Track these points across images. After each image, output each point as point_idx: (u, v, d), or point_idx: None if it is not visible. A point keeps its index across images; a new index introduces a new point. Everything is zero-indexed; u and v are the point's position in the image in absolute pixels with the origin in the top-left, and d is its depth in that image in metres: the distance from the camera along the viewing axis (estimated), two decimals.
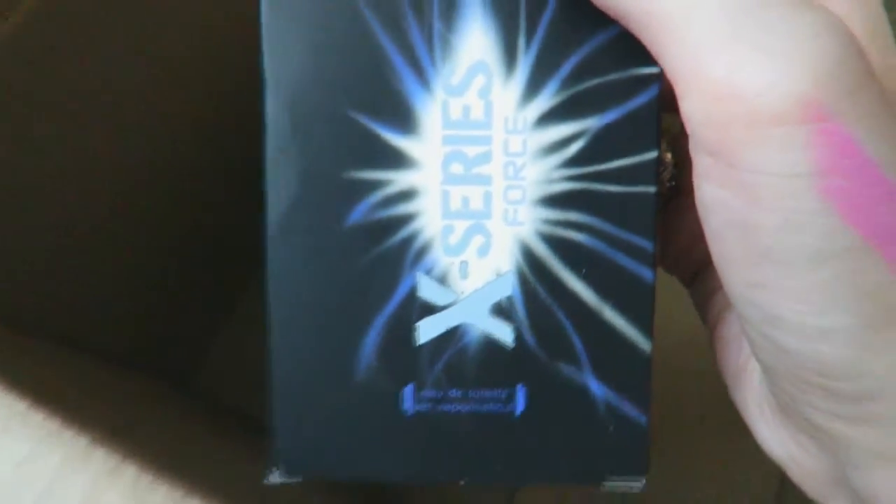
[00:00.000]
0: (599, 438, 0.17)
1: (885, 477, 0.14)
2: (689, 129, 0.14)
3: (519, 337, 0.17)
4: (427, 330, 0.17)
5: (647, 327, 0.17)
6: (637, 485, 0.17)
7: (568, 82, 0.16)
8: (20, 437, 0.17)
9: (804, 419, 0.15)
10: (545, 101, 0.16)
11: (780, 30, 0.12)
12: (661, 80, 0.16)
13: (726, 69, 0.12)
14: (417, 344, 0.17)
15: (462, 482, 0.18)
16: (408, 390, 0.17)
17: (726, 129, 0.13)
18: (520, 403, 0.17)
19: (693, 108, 0.13)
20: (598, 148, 0.16)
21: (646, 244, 0.17)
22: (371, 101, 0.16)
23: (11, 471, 0.17)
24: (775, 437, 0.17)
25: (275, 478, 0.18)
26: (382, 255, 0.17)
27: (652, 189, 0.16)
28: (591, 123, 0.16)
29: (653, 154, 0.16)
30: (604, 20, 0.15)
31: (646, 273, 0.17)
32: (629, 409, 0.17)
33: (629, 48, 0.15)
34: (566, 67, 0.16)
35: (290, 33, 0.16)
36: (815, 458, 0.16)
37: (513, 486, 0.19)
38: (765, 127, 0.12)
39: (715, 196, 0.14)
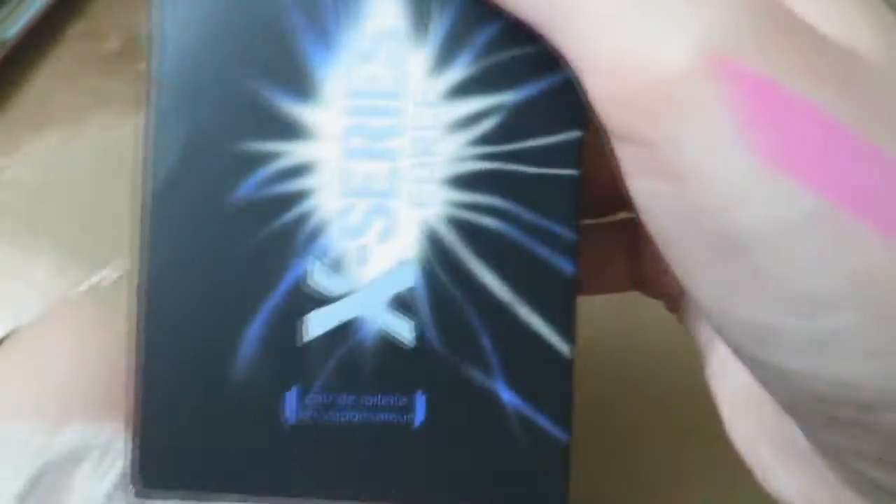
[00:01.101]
0: (511, 457, 0.15)
1: None
2: (601, 119, 0.12)
3: (420, 335, 0.15)
4: (317, 324, 0.15)
5: (567, 328, 0.15)
6: None
7: (484, 52, 0.15)
8: None
9: (853, 471, 0.13)
10: (458, 71, 0.15)
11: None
12: None
13: (620, 41, 0.11)
14: (305, 340, 0.15)
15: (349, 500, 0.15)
16: (291, 395, 0.15)
17: (634, 106, 0.11)
18: (419, 413, 0.15)
19: (597, 93, 0.12)
20: (515, 125, 0.15)
21: (567, 233, 0.15)
22: (267, 64, 0.15)
23: None
24: (804, 490, 0.14)
25: (133, 495, 0.15)
26: (271, 235, 0.15)
27: (574, 172, 0.15)
28: (509, 97, 0.15)
29: (576, 133, 0.15)
30: None
31: (566, 265, 0.15)
32: (546, 424, 0.15)
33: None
34: (483, 36, 0.15)
35: (181, 8, 0.15)
36: None
37: None
38: (671, 91, 0.11)
39: (646, 190, 0.12)
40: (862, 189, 0.10)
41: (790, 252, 0.11)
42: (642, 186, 0.12)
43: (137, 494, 0.15)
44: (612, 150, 0.12)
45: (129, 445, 0.15)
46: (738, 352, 0.13)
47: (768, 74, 0.10)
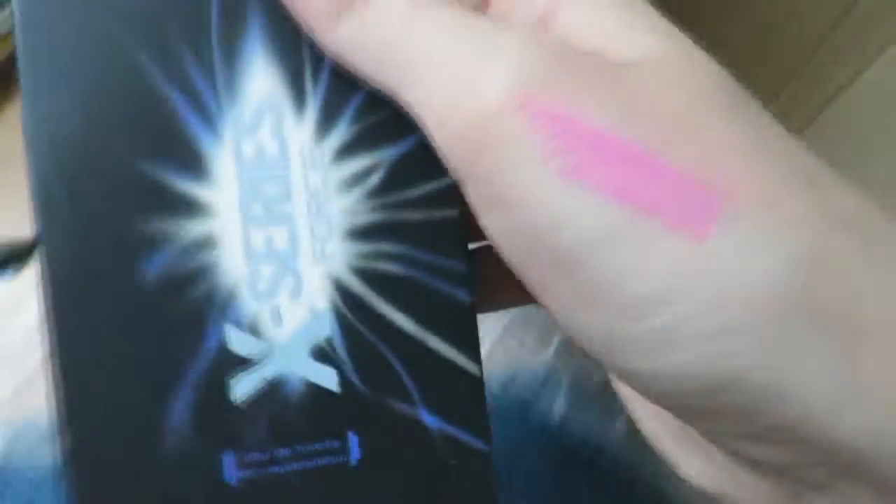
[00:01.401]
0: (443, 474, 0.16)
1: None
2: (447, 163, 0.14)
3: (344, 380, 0.16)
4: (242, 386, 0.15)
5: (473, 350, 0.17)
6: None
7: (360, 115, 0.16)
8: None
9: (732, 450, 0.14)
10: (340, 135, 0.16)
11: (478, 54, 0.13)
12: None
13: (447, 87, 0.13)
14: (235, 402, 0.15)
15: None
16: (228, 457, 0.15)
17: (465, 144, 0.13)
18: (354, 451, 0.16)
19: (437, 138, 0.14)
20: (397, 177, 0.16)
21: (458, 265, 0.17)
22: (156, 148, 0.15)
23: None
24: (706, 472, 0.16)
25: None
26: (185, 308, 0.15)
27: (454, 212, 0.17)
28: (388, 153, 0.16)
29: (447, 179, 0.16)
30: None
31: (462, 294, 0.17)
32: (467, 438, 0.16)
33: None
34: (356, 100, 0.16)
35: (54, 81, 0.15)
36: (755, 488, 0.15)
37: None
38: (489, 127, 0.13)
39: (490, 223, 0.14)
40: (650, 195, 0.12)
41: (611, 261, 0.12)
42: (487, 219, 0.14)
43: None
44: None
45: None
46: (597, 358, 0.14)
47: (562, 106, 0.13)
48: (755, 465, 0.15)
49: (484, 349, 0.27)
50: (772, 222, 0.12)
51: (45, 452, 0.24)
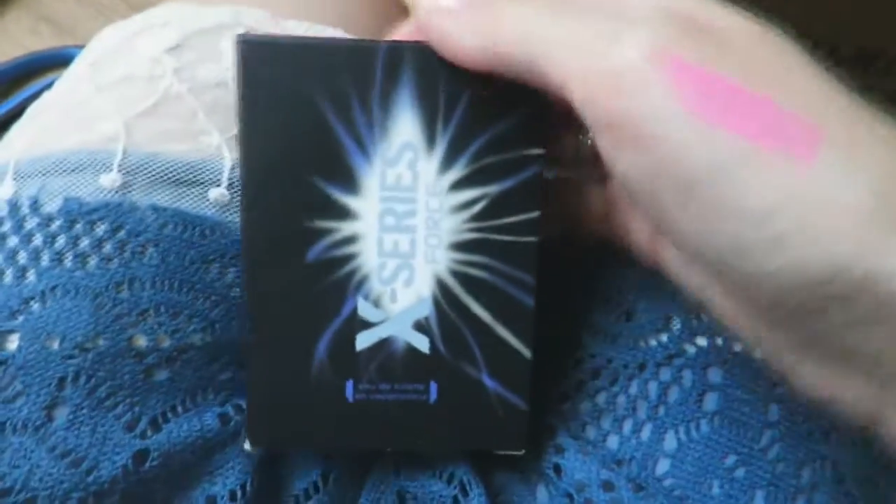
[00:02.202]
0: (490, 419, 0.23)
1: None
2: (586, 119, 0.18)
3: (433, 346, 0.23)
4: (363, 340, 0.22)
5: (528, 340, 0.23)
6: (518, 453, 0.24)
7: (474, 158, 0.22)
8: None
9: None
10: (457, 172, 0.22)
11: (616, 23, 0.17)
12: (544, 158, 0.22)
13: (590, 50, 0.17)
14: (357, 350, 0.22)
15: (388, 449, 0.24)
16: (349, 383, 0.23)
17: (607, 93, 0.17)
18: (433, 394, 0.23)
19: (578, 95, 0.17)
20: (495, 208, 0.22)
21: (528, 279, 0.22)
22: (327, 170, 0.21)
23: None
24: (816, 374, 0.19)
25: (246, 447, 0.24)
26: (333, 283, 0.22)
27: (534, 239, 0.22)
28: (492, 189, 0.22)
29: (535, 214, 0.22)
30: (500, 115, 0.21)
31: (528, 300, 0.22)
32: (514, 399, 0.23)
33: (519, 135, 0.21)
34: (473, 147, 0.21)
35: (264, 126, 0.21)
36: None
37: (427, 453, 0.25)
38: (632, 75, 0.16)
39: (623, 162, 0.17)
40: (769, 129, 0.16)
41: (738, 181, 0.16)
42: (622, 159, 0.18)
43: (248, 446, 0.24)
44: (597, 155, 0.18)
45: (246, 419, 0.23)
46: (717, 266, 0.17)
47: (695, 61, 0.17)
48: (851, 358, 0.17)
49: None
50: (857, 150, 0.16)
51: (161, 193, 0.26)
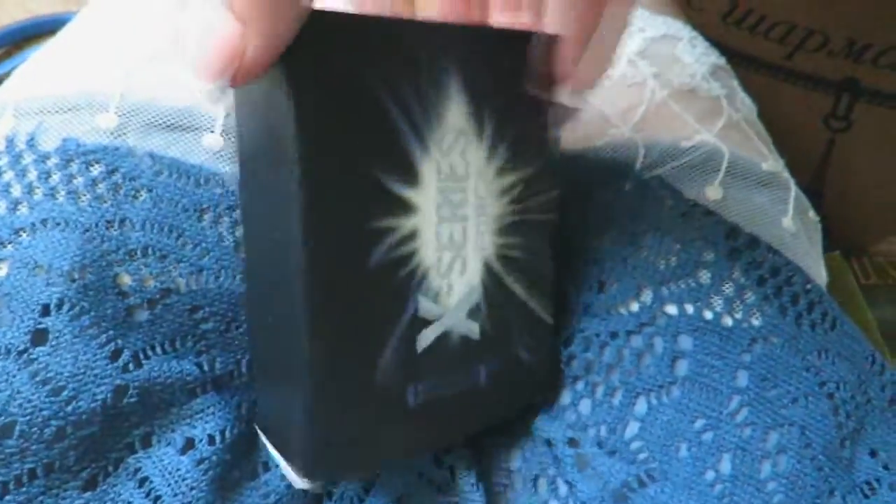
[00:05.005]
0: (525, 384, 0.25)
1: None
2: None
3: (483, 330, 0.23)
4: (423, 340, 0.21)
5: (551, 307, 0.25)
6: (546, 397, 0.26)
7: (513, 144, 0.22)
8: None
9: None
10: (500, 158, 0.22)
11: None
12: (558, 142, 0.23)
13: None
14: (417, 351, 0.21)
15: (447, 446, 0.24)
16: (411, 387, 0.21)
17: None
18: (483, 377, 0.23)
19: None
20: (528, 190, 0.23)
21: (551, 251, 0.24)
22: (387, 161, 0.20)
23: None
24: None
25: (300, 485, 0.21)
26: (396, 284, 0.20)
27: (554, 216, 0.24)
28: (525, 173, 0.23)
29: (555, 192, 0.24)
30: (530, 102, 0.22)
31: (550, 271, 0.25)
32: (538, 362, 0.25)
33: (543, 122, 0.23)
34: (512, 133, 0.22)
35: (323, 121, 0.18)
36: None
37: (479, 432, 0.25)
38: None
39: None
40: None
41: None
42: None
43: (301, 484, 0.21)
44: None
45: (293, 443, 0.20)
46: None
47: None
48: None
49: None
50: None
51: (156, 137, 0.26)
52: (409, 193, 0.20)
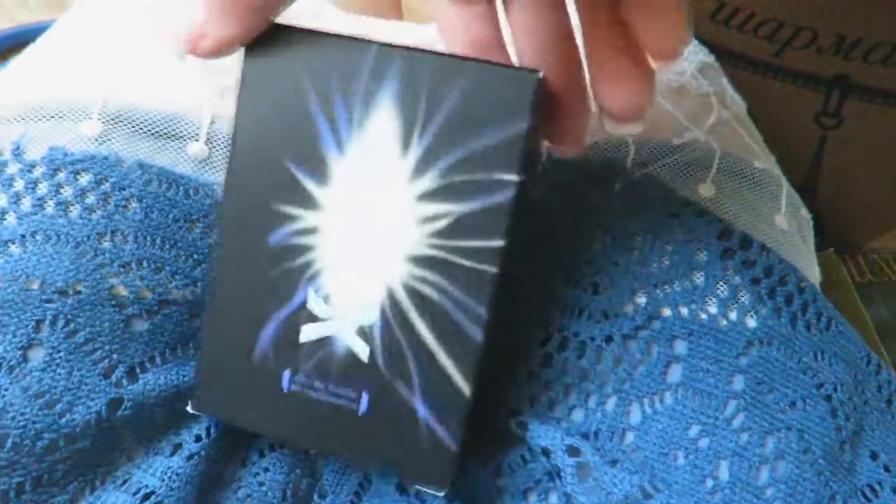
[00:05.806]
0: (416, 449, 0.22)
1: None
2: None
3: (372, 355, 0.22)
4: (307, 333, 0.22)
5: (470, 376, 0.22)
6: (439, 494, 0.23)
7: (445, 173, 0.21)
8: None
9: None
10: (426, 183, 0.21)
11: None
12: (519, 185, 0.21)
13: None
14: (300, 342, 0.22)
15: (313, 451, 0.25)
16: (286, 374, 0.22)
17: None
18: (364, 406, 0.22)
19: None
20: (459, 228, 0.21)
21: (482, 311, 0.21)
22: (300, 155, 0.22)
23: None
24: None
25: (188, 408, 0.24)
26: (288, 270, 0.22)
27: (493, 269, 0.21)
28: (458, 208, 0.21)
29: (499, 243, 0.21)
30: (478, 133, 0.20)
31: (477, 334, 0.21)
32: (444, 435, 0.22)
33: (495, 157, 0.20)
34: (445, 161, 0.21)
35: (255, 107, 0.22)
36: None
37: (350, 464, 0.25)
38: None
39: None
40: None
41: None
42: None
43: (190, 408, 0.23)
44: None
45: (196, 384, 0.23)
46: None
47: None
48: None
49: None
50: None
51: (141, 144, 0.26)
52: (317, 190, 0.22)
